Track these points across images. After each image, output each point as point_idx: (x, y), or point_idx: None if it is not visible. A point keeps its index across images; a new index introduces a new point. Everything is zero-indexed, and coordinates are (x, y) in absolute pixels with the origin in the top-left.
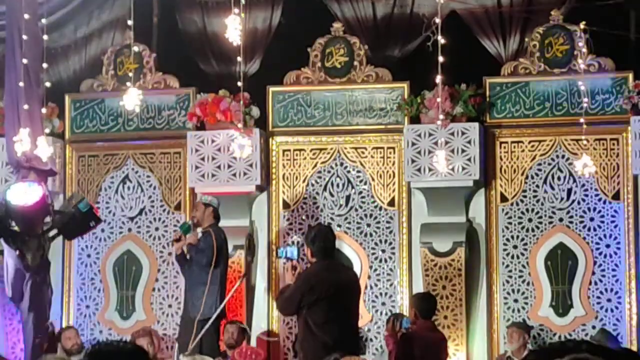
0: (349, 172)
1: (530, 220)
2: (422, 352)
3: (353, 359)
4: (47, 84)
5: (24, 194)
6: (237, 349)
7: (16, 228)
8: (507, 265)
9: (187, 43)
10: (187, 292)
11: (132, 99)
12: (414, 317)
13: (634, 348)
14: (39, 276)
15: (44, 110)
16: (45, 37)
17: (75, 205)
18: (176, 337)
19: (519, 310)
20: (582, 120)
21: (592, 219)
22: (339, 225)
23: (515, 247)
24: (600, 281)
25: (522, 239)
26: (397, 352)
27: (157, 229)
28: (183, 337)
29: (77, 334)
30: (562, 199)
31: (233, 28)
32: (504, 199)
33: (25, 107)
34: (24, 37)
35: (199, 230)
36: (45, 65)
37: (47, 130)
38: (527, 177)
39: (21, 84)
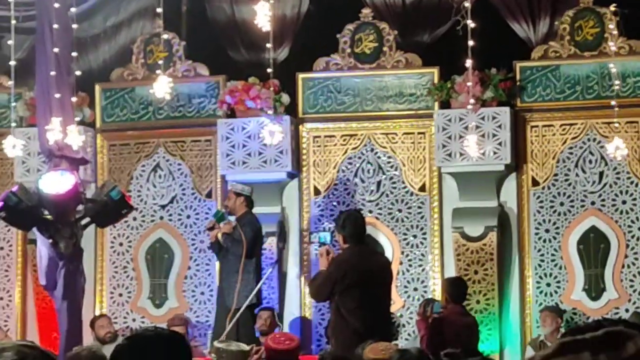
0: (379, 157)
1: (562, 204)
2: (453, 337)
3: (385, 344)
4: (78, 73)
5: (56, 183)
6: (271, 335)
7: (49, 217)
8: (539, 250)
9: (216, 31)
10: (223, 281)
11: (162, 87)
12: (445, 302)
13: None
14: (72, 264)
15: (74, 99)
16: (75, 26)
17: (107, 194)
18: (211, 325)
19: (551, 294)
20: (613, 103)
21: (624, 202)
22: (370, 211)
23: (547, 231)
24: (633, 264)
25: (554, 223)
26: (429, 337)
27: (188, 216)
28: (218, 325)
29: (110, 322)
30: (593, 182)
31: (262, 14)
32: (535, 183)
33: (57, 95)
34: (55, 26)
35: (233, 218)
36: (75, 54)
37: (77, 120)
38: (558, 161)
39: (52, 72)
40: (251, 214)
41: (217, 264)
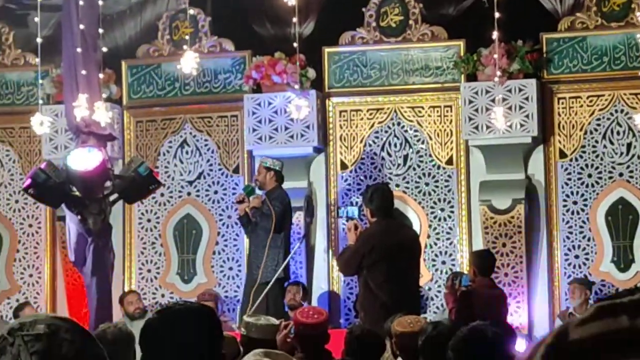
0: (406, 131)
1: (589, 175)
2: (481, 309)
3: (413, 317)
4: (104, 49)
5: (84, 159)
6: (299, 309)
7: (77, 193)
8: (567, 222)
9: (242, 6)
10: (252, 255)
11: (189, 62)
12: (472, 275)
13: None
14: (101, 240)
15: (101, 76)
16: (100, 2)
17: (135, 169)
18: (239, 300)
19: (580, 267)
20: None
21: None
22: (397, 185)
23: (575, 203)
24: None
25: (582, 195)
26: (457, 310)
27: (216, 192)
28: (246, 298)
29: (139, 298)
30: (621, 153)
31: None
32: (562, 155)
33: (83, 72)
34: (80, 2)
35: (262, 193)
36: (101, 31)
37: (104, 96)
38: (585, 133)
39: (78, 49)
40: (281, 189)
41: (246, 238)
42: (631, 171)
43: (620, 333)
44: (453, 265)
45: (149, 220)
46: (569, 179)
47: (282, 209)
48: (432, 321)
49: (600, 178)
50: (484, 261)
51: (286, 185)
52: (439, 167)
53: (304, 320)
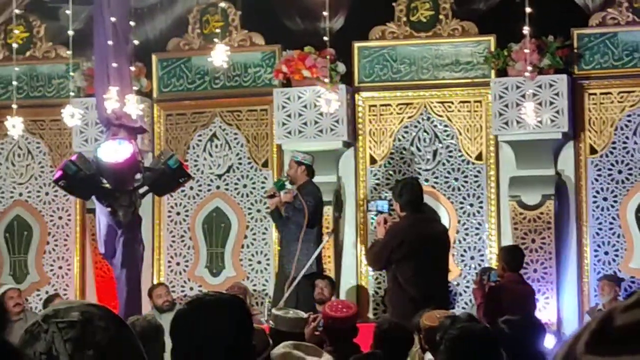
0: (435, 126)
1: (620, 172)
2: (510, 305)
3: (442, 312)
4: (136, 42)
5: (115, 151)
6: (328, 302)
7: (107, 185)
8: (597, 218)
9: (272, 0)
10: (283, 249)
11: (219, 55)
12: (501, 270)
13: None
14: (131, 232)
15: (132, 69)
16: None
17: (165, 162)
18: (268, 293)
19: (609, 263)
20: None
21: None
22: (427, 180)
23: (605, 199)
24: None
25: (612, 191)
26: (486, 305)
27: (245, 186)
28: (277, 292)
29: (168, 291)
30: None
31: None
32: (593, 151)
33: (114, 65)
34: None
35: (294, 187)
36: (132, 23)
37: (135, 89)
38: (616, 129)
39: (110, 42)
40: (312, 183)
41: (275, 232)
42: None
43: None
44: (482, 260)
45: (178, 214)
46: (599, 175)
47: (314, 204)
48: (450, 315)
49: (630, 174)
50: (513, 257)
51: (315, 179)
52: (468, 163)
53: (333, 313)
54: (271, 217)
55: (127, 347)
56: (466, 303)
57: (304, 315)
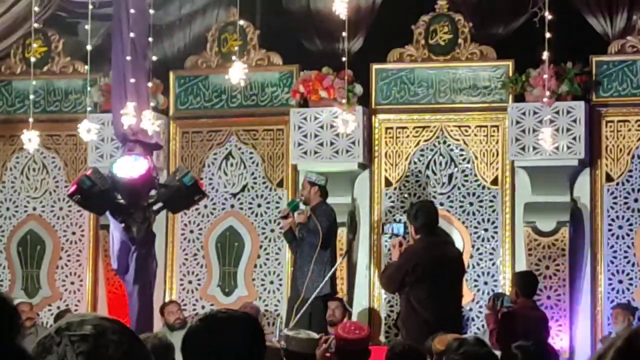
0: (452, 150)
1: (636, 200)
2: (523, 331)
3: (454, 336)
4: (154, 58)
5: (130, 167)
6: (341, 324)
7: (122, 201)
8: (612, 246)
9: (291, 21)
10: (297, 270)
11: (237, 73)
12: (514, 296)
13: None
14: (144, 249)
15: (149, 85)
16: (152, 11)
17: (180, 179)
18: (280, 314)
19: (623, 292)
20: None
21: None
22: (442, 204)
23: (620, 227)
24: None
25: (628, 220)
26: (499, 331)
27: (259, 205)
28: (289, 312)
29: (180, 308)
30: None
31: (340, 1)
32: (609, 178)
33: (132, 80)
34: (132, 10)
35: (307, 208)
36: (150, 39)
37: (151, 106)
38: (633, 157)
39: (128, 57)
40: (326, 204)
41: (288, 253)
42: None
43: None
44: (495, 286)
45: (191, 232)
46: (615, 203)
47: (328, 225)
48: (458, 337)
49: None
50: (527, 282)
51: (330, 200)
52: (483, 187)
53: (346, 335)
54: (285, 238)
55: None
56: (478, 328)
57: (316, 336)
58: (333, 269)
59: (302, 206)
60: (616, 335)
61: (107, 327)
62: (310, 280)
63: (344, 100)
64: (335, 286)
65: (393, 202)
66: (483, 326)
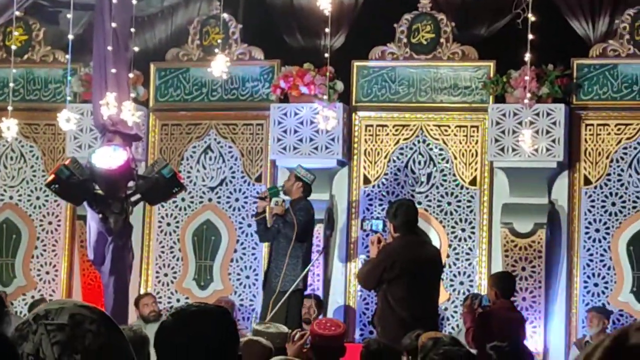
0: (431, 149)
1: (613, 204)
2: (499, 332)
3: (436, 334)
4: (135, 49)
5: (109, 158)
6: (316, 320)
7: (100, 191)
8: (589, 249)
9: (273, 15)
10: (271, 263)
11: (219, 66)
12: (494, 297)
13: None
14: (121, 240)
15: (130, 76)
16: (134, 1)
17: (159, 171)
18: (255, 309)
19: (598, 295)
20: None
21: None
22: (420, 203)
23: (597, 230)
24: None
25: (605, 223)
26: (475, 330)
27: (237, 199)
28: (264, 306)
29: (155, 301)
30: None
31: None
32: (587, 181)
33: (113, 71)
34: (114, 1)
35: (286, 199)
36: (132, 30)
37: (132, 96)
38: (612, 161)
39: (109, 48)
40: (306, 201)
41: (265, 247)
42: None
43: None
44: (471, 286)
45: (168, 224)
46: (593, 206)
47: (305, 220)
48: (433, 337)
49: (624, 207)
50: (506, 283)
51: (308, 197)
52: (462, 187)
53: (321, 331)
54: (257, 221)
55: (118, 352)
56: (453, 328)
57: (285, 329)
58: (309, 266)
59: (282, 195)
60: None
61: (86, 317)
62: (285, 274)
63: (324, 97)
64: (307, 282)
65: (371, 199)
66: (458, 325)
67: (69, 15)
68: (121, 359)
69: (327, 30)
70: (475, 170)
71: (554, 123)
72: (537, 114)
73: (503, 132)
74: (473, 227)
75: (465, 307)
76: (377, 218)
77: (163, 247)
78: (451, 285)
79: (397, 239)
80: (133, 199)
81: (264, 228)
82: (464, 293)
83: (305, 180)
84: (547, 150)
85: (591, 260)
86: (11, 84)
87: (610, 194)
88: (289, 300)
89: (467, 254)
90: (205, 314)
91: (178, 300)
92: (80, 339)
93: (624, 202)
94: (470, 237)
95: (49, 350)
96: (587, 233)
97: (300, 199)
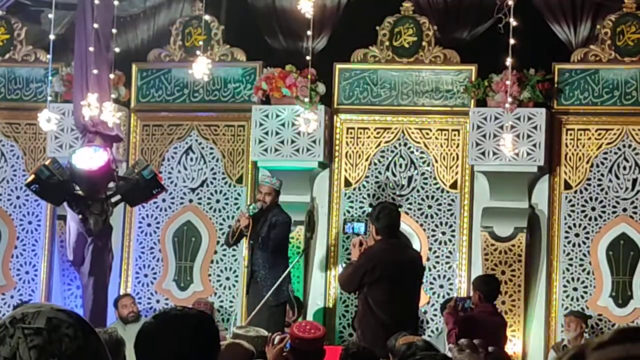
0: (412, 152)
1: (593, 209)
2: (483, 335)
3: (416, 338)
4: (117, 50)
5: (89, 158)
6: (296, 323)
7: (80, 192)
8: (568, 254)
9: (256, 17)
10: (257, 276)
11: (201, 68)
12: (478, 300)
13: None
14: (101, 241)
15: (111, 76)
16: (116, 2)
17: (139, 172)
18: (234, 310)
19: (578, 299)
20: None
21: None
22: (400, 206)
23: (577, 235)
24: None
25: (585, 228)
26: (459, 333)
27: (217, 201)
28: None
29: (134, 302)
30: (626, 188)
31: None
32: (567, 186)
33: (94, 71)
34: (96, 1)
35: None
36: (114, 31)
37: (113, 97)
38: (592, 166)
39: (91, 48)
40: (283, 211)
41: (245, 250)
42: (635, 207)
43: None
44: (451, 289)
45: (149, 225)
46: (572, 211)
47: (284, 237)
48: (407, 342)
49: (603, 212)
50: (490, 287)
51: (289, 198)
52: (442, 191)
53: (301, 334)
54: (231, 236)
55: (94, 356)
56: (432, 331)
57: (265, 333)
58: (290, 268)
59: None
60: (562, 354)
61: (63, 320)
62: (269, 287)
63: (306, 99)
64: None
65: (352, 202)
66: (437, 329)
67: (51, 15)
68: None
69: (309, 32)
70: (456, 173)
71: (535, 127)
72: (518, 118)
73: (484, 136)
74: (453, 231)
75: (448, 308)
76: (359, 220)
77: (143, 247)
78: (431, 289)
79: (378, 242)
80: (113, 199)
81: (236, 239)
82: (443, 296)
83: (277, 188)
84: (528, 154)
85: (571, 265)
86: None
87: (591, 198)
88: (271, 304)
89: (447, 257)
90: (187, 318)
91: (158, 302)
92: (57, 343)
93: (604, 207)
94: (450, 241)
95: (26, 354)
96: (567, 237)
97: (275, 205)
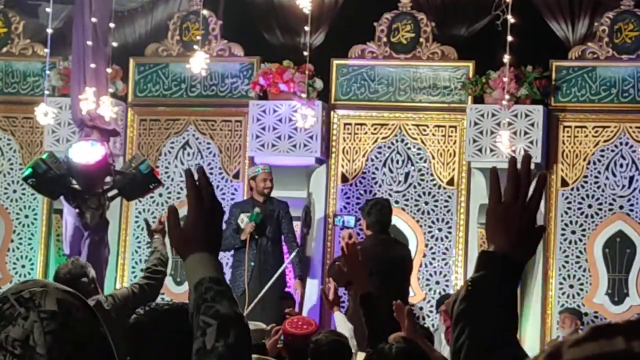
0: (409, 149)
1: (590, 206)
2: None
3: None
4: (114, 44)
5: (87, 153)
6: (289, 319)
7: (77, 186)
8: (564, 251)
9: (254, 12)
10: (262, 264)
11: (198, 62)
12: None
13: None
14: (97, 235)
15: (109, 71)
16: None
17: (136, 167)
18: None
19: (574, 297)
20: None
21: None
22: (397, 202)
23: (573, 232)
24: None
25: (581, 225)
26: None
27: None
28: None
29: None
30: (623, 186)
31: None
32: (564, 183)
33: (92, 65)
34: None
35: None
36: (112, 25)
37: (110, 92)
38: (589, 163)
39: (89, 42)
40: (273, 197)
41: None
42: (632, 205)
43: (615, 356)
44: (447, 286)
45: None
46: (569, 208)
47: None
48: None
49: (600, 209)
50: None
51: (286, 194)
52: (439, 187)
53: (293, 330)
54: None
55: (100, 340)
56: (428, 328)
57: (264, 326)
58: (286, 263)
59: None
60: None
61: (73, 304)
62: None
63: (303, 95)
64: (285, 280)
65: (348, 198)
66: (433, 325)
67: (49, 9)
68: (102, 347)
69: (307, 28)
70: (453, 170)
71: (532, 124)
72: (515, 115)
73: (481, 132)
74: (450, 227)
75: (445, 305)
76: (349, 214)
77: (140, 242)
78: (427, 285)
79: (368, 237)
80: (110, 194)
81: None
82: (439, 293)
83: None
84: (525, 151)
85: (567, 262)
86: None
87: (587, 196)
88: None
89: (444, 253)
90: (176, 312)
91: None
92: (71, 328)
93: (600, 204)
94: (446, 237)
95: (42, 339)
96: (563, 235)
97: (269, 196)
